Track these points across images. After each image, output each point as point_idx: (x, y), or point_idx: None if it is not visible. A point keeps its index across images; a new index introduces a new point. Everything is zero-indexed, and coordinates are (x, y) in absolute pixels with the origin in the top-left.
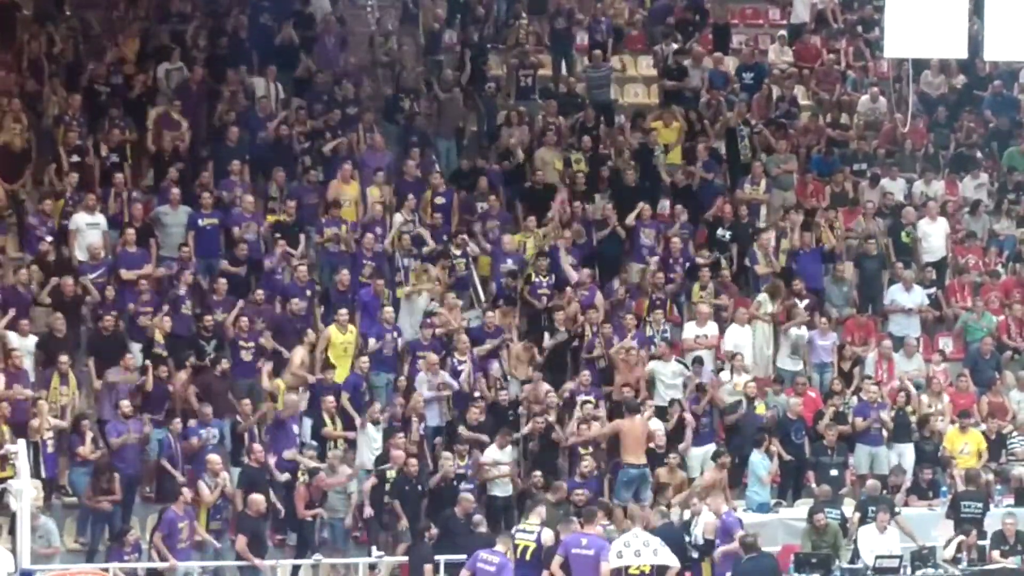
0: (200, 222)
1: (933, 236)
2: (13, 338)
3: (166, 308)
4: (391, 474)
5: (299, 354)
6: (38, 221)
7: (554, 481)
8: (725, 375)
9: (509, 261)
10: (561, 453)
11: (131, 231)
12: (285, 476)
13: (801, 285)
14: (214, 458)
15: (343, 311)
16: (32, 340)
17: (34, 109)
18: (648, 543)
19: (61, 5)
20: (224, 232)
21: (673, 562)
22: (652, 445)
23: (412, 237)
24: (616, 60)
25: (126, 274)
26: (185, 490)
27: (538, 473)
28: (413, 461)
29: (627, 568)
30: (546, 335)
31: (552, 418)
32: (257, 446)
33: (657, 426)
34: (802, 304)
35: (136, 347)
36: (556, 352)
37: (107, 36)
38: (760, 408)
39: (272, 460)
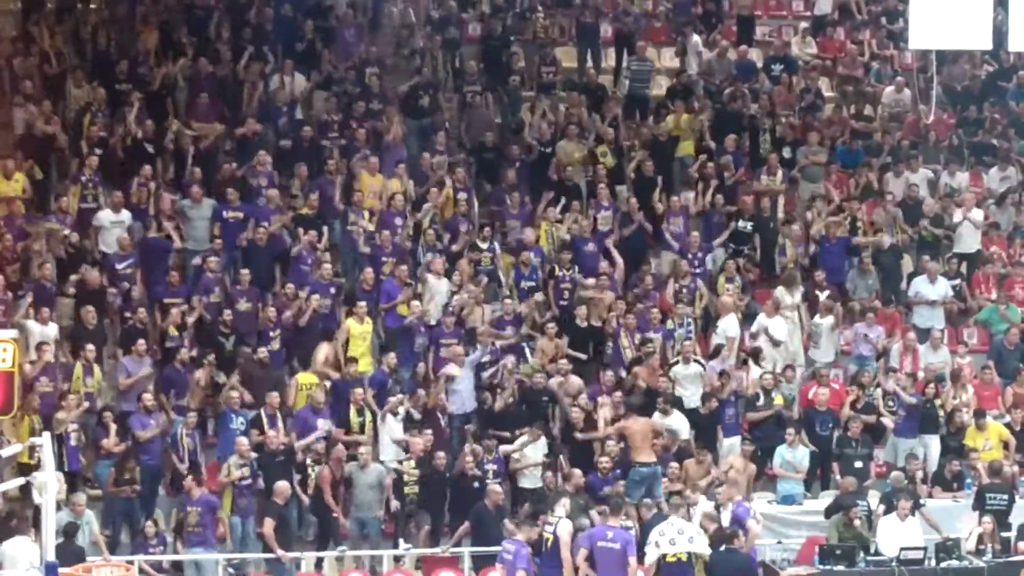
0: (225, 214)
1: (967, 226)
2: (34, 327)
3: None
4: (409, 464)
5: (324, 350)
6: (56, 218)
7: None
8: (754, 370)
9: (531, 254)
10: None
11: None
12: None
13: (822, 276)
14: (242, 440)
15: (361, 303)
16: (53, 328)
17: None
18: (683, 531)
19: None
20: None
21: (707, 550)
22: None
23: (437, 225)
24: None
25: None
26: (189, 479)
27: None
28: (441, 454)
29: (664, 556)
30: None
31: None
32: (272, 432)
33: (681, 424)
34: (823, 295)
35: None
36: (580, 346)
37: (129, 28)
38: (778, 399)
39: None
